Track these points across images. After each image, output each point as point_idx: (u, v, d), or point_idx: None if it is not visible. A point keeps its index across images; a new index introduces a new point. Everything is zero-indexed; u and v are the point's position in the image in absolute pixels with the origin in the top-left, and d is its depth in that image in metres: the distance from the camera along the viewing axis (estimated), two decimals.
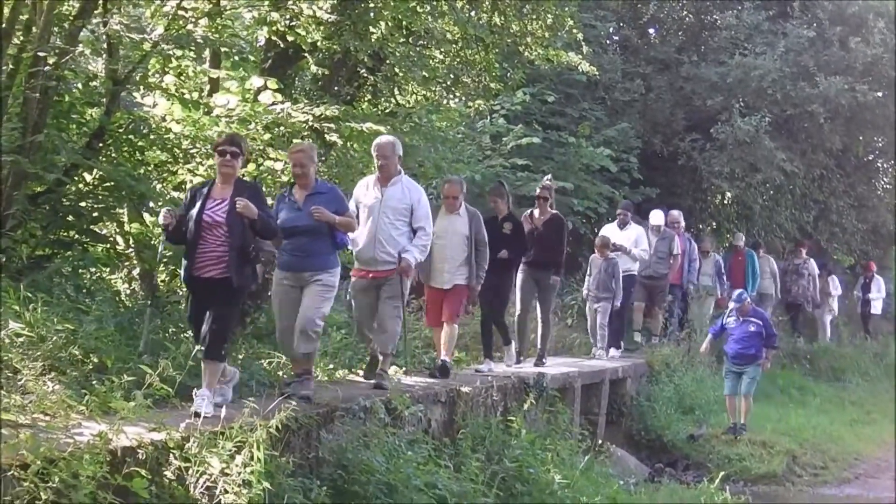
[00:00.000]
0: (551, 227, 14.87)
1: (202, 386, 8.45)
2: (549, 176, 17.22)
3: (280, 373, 10.42)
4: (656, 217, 18.89)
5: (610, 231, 17.84)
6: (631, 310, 18.52)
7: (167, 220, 8.72)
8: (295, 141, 11.45)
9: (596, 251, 17.14)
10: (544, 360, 14.89)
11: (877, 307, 26.06)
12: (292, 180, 10.17)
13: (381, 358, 11.10)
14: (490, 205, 14.17)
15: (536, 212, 15.08)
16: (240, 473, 7.19)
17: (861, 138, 26.16)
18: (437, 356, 12.56)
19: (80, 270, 10.98)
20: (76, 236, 11.64)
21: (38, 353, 7.97)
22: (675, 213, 19.87)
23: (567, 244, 15.41)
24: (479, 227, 12.75)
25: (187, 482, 7.03)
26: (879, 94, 23.58)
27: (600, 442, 14.52)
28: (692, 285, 19.92)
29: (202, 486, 7.07)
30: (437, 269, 12.63)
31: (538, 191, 15.32)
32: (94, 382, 7.94)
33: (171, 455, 7.00)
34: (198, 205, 8.72)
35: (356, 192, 11.38)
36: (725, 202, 26.09)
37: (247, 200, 8.57)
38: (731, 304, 16.78)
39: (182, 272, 8.89)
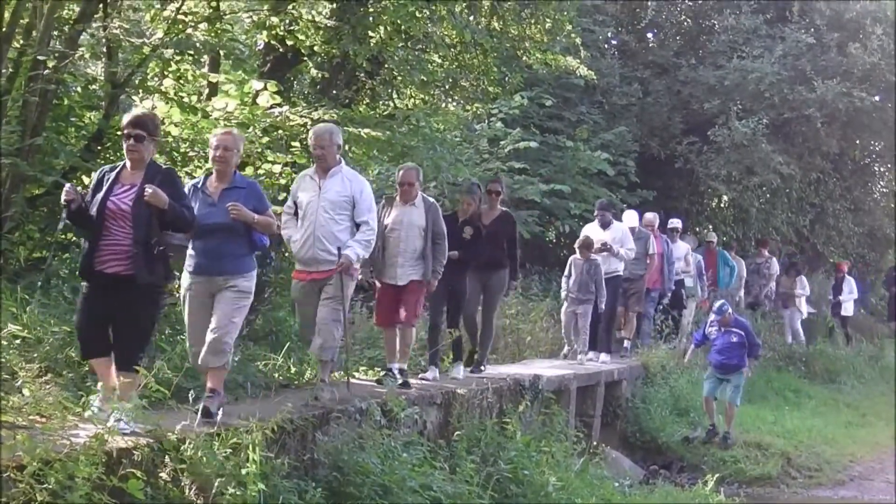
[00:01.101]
0: (500, 225, 13.75)
1: (97, 395, 7.70)
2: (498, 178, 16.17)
3: (276, 375, 10.47)
4: (630, 218, 18.12)
5: (592, 231, 17.00)
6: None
7: (69, 196, 7.69)
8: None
9: (577, 252, 16.38)
10: (483, 367, 13.59)
11: (848, 309, 25.43)
12: (211, 170, 9.00)
13: (319, 366, 10.11)
14: (463, 206, 13.17)
15: (485, 207, 13.76)
16: (235, 475, 7.25)
17: (858, 142, 26.26)
18: (388, 361, 11.66)
19: (77, 272, 11.01)
20: (73, 238, 11.68)
21: (35, 355, 8.04)
22: (650, 215, 19.04)
23: (517, 245, 14.14)
24: (436, 219, 11.76)
25: (182, 484, 7.09)
26: (877, 98, 23.63)
27: (595, 444, 14.54)
28: (671, 289, 19.17)
29: (197, 488, 7.13)
30: (391, 264, 11.63)
31: (488, 184, 14.21)
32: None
33: (167, 456, 7.06)
34: (103, 189, 7.86)
35: (294, 186, 10.41)
36: (722, 205, 26.17)
37: (156, 188, 7.69)
38: (713, 316, 16.60)
39: (80, 263, 7.97)
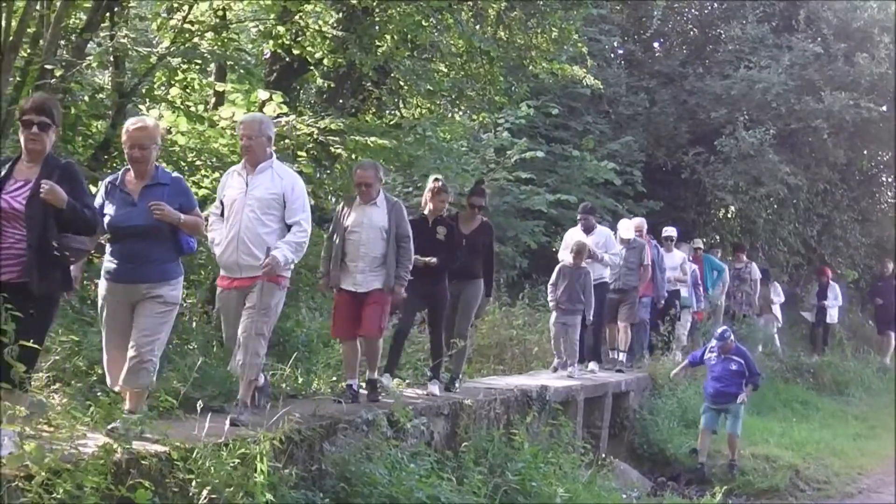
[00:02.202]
0: (479, 237, 12.87)
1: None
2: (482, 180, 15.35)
3: (284, 385, 10.43)
4: (625, 229, 17.35)
5: (575, 236, 16.19)
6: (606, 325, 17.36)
7: None
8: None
9: (570, 259, 15.48)
10: (457, 384, 12.48)
11: (833, 315, 24.79)
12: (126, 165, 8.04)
13: (241, 385, 8.90)
14: (438, 204, 12.05)
15: (466, 216, 13.00)
16: (243, 485, 7.22)
17: (865, 153, 26.23)
18: (348, 376, 10.73)
19: (86, 282, 11.00)
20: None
21: (44, 365, 8.01)
22: (639, 220, 18.36)
23: (494, 257, 13.39)
24: (400, 220, 10.76)
25: (190, 493, 7.06)
26: (884, 108, 23.61)
27: (603, 455, 14.47)
28: (664, 299, 18.32)
29: (205, 498, 7.09)
30: (350, 270, 10.61)
31: (470, 197, 13.24)
32: (98, 394, 7.97)
33: (175, 466, 7.03)
34: None
35: (220, 184, 9.49)
36: (729, 216, 26.11)
37: (53, 184, 6.88)
38: (714, 342, 16.09)
39: None
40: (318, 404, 9.67)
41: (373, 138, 12.68)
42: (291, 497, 7.88)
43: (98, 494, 6.17)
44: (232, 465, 7.29)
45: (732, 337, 16.15)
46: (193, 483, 7.07)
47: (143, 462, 6.78)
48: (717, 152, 23.43)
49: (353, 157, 13.83)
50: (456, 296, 12.46)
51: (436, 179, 12.22)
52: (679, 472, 15.79)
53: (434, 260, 11.63)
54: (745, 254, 23.34)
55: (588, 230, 16.34)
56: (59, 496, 6.00)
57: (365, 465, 9.03)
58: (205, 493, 7.09)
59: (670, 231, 19.59)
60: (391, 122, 15.42)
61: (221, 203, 9.19)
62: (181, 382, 8.13)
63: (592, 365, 16.31)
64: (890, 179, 28.62)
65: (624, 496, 13.29)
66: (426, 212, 12.03)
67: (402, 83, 16.14)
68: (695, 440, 16.58)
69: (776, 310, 23.61)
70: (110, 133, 11.59)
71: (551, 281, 15.55)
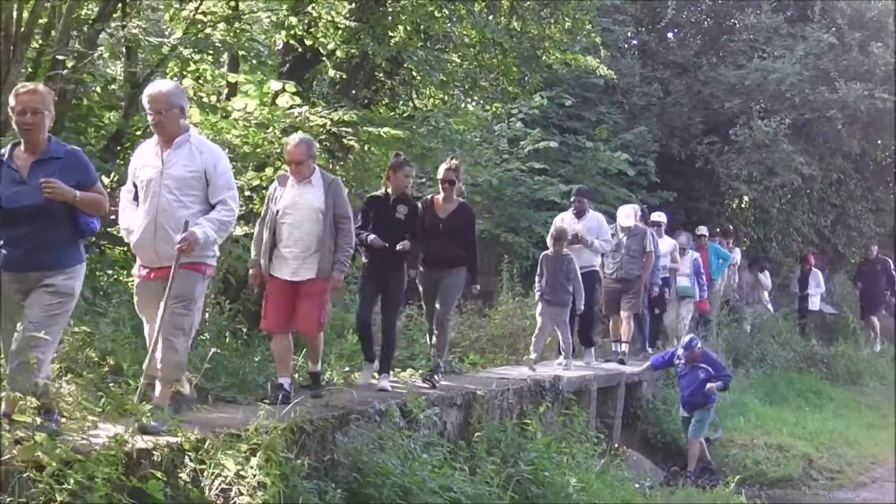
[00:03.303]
0: (458, 219, 12.03)
1: None
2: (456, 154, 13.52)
3: (296, 375, 10.44)
4: (625, 216, 16.81)
5: (566, 221, 15.52)
6: (600, 314, 17.01)
7: None
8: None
9: (549, 246, 14.70)
10: (437, 376, 11.73)
11: (814, 303, 24.61)
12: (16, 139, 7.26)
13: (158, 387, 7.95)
14: (398, 181, 11.20)
15: (440, 198, 12.13)
16: (255, 475, 7.23)
17: (879, 143, 26.07)
18: (279, 374, 9.73)
19: (98, 273, 11.03)
20: (93, 239, 11.67)
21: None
22: (635, 206, 17.73)
23: (476, 241, 12.41)
24: (338, 198, 9.83)
25: (202, 484, 7.07)
26: None
27: (616, 445, 14.50)
28: (657, 287, 17.61)
29: (217, 489, 7.11)
30: (283, 256, 9.78)
31: (442, 172, 12.12)
32: (110, 385, 7.99)
33: (187, 457, 7.05)
34: None
35: (132, 162, 8.37)
36: (743, 206, 26.02)
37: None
38: (681, 350, 15.79)
39: None
40: (330, 395, 9.68)
41: (386, 129, 12.66)
42: (304, 487, 7.88)
43: (109, 485, 6.19)
44: (244, 455, 7.31)
45: (699, 345, 15.90)
46: (205, 474, 7.09)
47: (154, 453, 6.80)
48: (731, 142, 23.35)
49: (367, 148, 13.84)
50: (435, 285, 11.96)
51: (396, 154, 11.56)
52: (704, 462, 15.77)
53: (406, 244, 11.00)
54: (732, 239, 22.96)
55: (580, 214, 15.67)
56: (70, 487, 6.02)
57: (377, 455, 9.05)
58: (217, 483, 7.11)
59: (659, 216, 18.77)
60: (404, 114, 15.40)
61: (134, 185, 8.15)
62: (193, 373, 8.12)
63: (587, 357, 15.70)
64: None
65: (637, 486, 13.32)
66: (389, 190, 11.27)
67: (415, 74, 16.11)
68: (708, 430, 16.58)
69: (764, 297, 23.43)
70: (122, 124, 11.62)
71: (538, 272, 14.77)
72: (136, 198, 8.10)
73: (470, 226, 12.21)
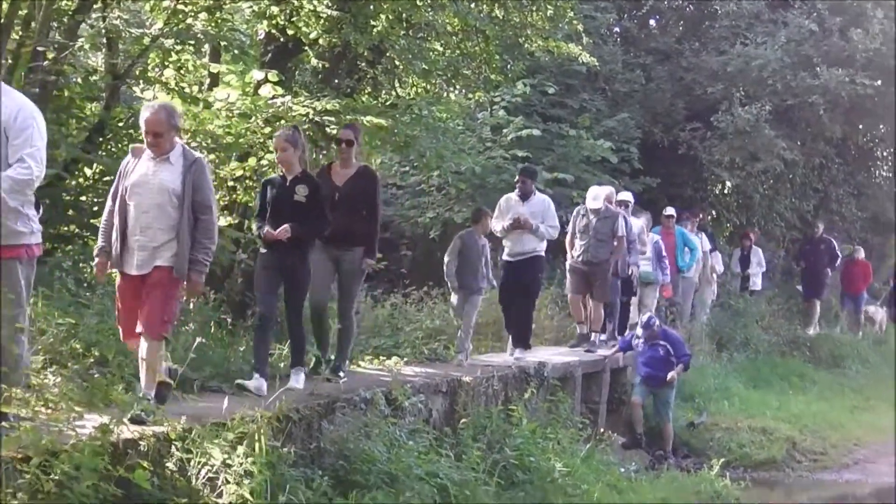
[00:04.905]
0: (358, 187, 10.61)
1: None
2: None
3: (282, 364, 10.46)
4: (592, 198, 15.81)
5: (511, 202, 14.40)
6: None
7: None
8: None
9: (473, 226, 13.60)
10: (342, 374, 10.53)
11: (756, 283, 23.52)
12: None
13: None
14: (287, 156, 9.73)
15: (337, 164, 10.81)
16: (241, 464, 7.26)
17: (861, 127, 26.18)
18: (146, 384, 7.81)
19: (81, 264, 11.03)
20: (77, 230, 11.69)
21: (40, 347, 8.04)
22: (607, 188, 16.83)
23: (379, 211, 10.91)
24: (199, 183, 8.02)
25: (189, 473, 7.11)
26: (879, 82, 23.55)
27: (601, 430, 14.56)
28: (636, 267, 16.93)
29: (204, 477, 7.14)
30: (130, 246, 8.00)
31: (341, 132, 10.95)
32: (95, 375, 8.01)
33: (173, 446, 7.08)
34: None
35: None
36: (726, 191, 26.09)
37: None
38: (639, 330, 15.60)
39: None
40: (315, 383, 9.71)
41: (368, 118, 12.65)
42: (290, 475, 7.91)
43: (96, 475, 6.21)
44: (230, 444, 7.34)
45: (658, 323, 15.75)
46: (192, 463, 7.12)
47: (141, 442, 6.83)
48: (713, 128, 23.40)
49: None
50: (334, 265, 10.66)
51: (288, 127, 10.27)
52: (677, 446, 15.85)
53: (287, 229, 9.50)
54: (698, 220, 21.97)
55: (525, 196, 14.35)
56: (56, 477, 6.04)
57: (363, 442, 9.09)
58: (204, 472, 7.14)
59: (625, 196, 17.73)
60: (387, 102, 15.40)
61: None
62: (179, 363, 8.14)
63: (518, 352, 14.04)
64: (886, 154, 28.60)
65: (622, 470, 13.38)
66: (283, 171, 9.88)
67: (397, 62, 16.11)
68: (692, 414, 16.69)
69: (714, 280, 22.27)
70: (104, 115, 11.61)
71: (448, 254, 13.41)
72: None
73: (372, 193, 10.69)
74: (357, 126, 11.21)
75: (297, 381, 9.69)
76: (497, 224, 14.02)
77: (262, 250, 9.87)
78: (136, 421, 7.12)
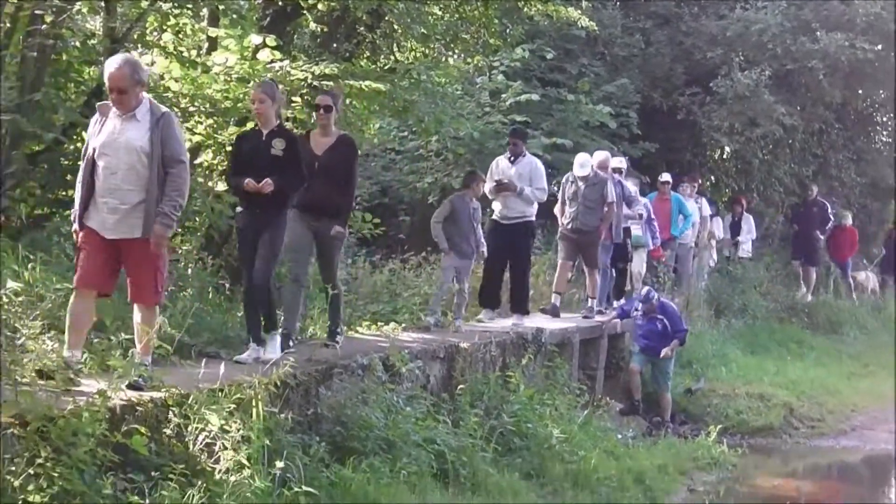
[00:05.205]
0: (338, 155, 10.26)
1: None
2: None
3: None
4: (579, 165, 15.60)
5: (501, 165, 14.16)
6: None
7: None
8: None
9: (471, 189, 13.35)
10: (338, 339, 10.33)
11: (746, 250, 23.28)
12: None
13: None
14: (264, 109, 9.38)
15: (317, 132, 10.46)
16: (239, 430, 7.28)
17: (860, 92, 26.06)
18: (69, 345, 7.54)
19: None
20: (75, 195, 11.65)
21: (37, 312, 8.03)
22: (603, 154, 16.60)
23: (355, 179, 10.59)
24: (168, 137, 7.78)
25: (186, 439, 7.13)
26: (879, 47, 23.46)
27: (599, 396, 14.59)
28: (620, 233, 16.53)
29: (201, 443, 7.16)
30: (99, 205, 7.78)
31: (318, 97, 10.57)
32: (92, 341, 8.00)
33: (171, 412, 7.09)
34: None
35: None
36: (725, 157, 26.03)
37: None
38: (639, 304, 15.63)
39: None
40: (313, 349, 9.72)
41: (367, 83, 12.59)
42: (288, 441, 7.94)
43: (93, 441, 6.22)
44: (228, 410, 7.35)
45: (656, 297, 15.74)
46: (189, 429, 7.14)
47: (138, 408, 6.84)
48: (712, 93, 23.32)
49: (348, 102, 13.79)
50: (311, 236, 10.33)
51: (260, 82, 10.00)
52: (674, 412, 15.90)
53: (270, 182, 9.15)
54: (696, 184, 21.60)
55: (514, 157, 14.14)
56: (54, 443, 6.05)
57: (361, 409, 9.12)
58: (201, 438, 7.16)
59: (619, 162, 17.46)
60: (385, 67, 15.34)
61: None
62: (176, 329, 8.15)
63: (516, 318, 13.97)
64: (885, 119, 28.52)
65: (619, 436, 13.43)
66: (258, 124, 9.57)
67: (396, 27, 16.04)
68: (689, 380, 16.73)
69: (713, 245, 22.22)
70: (102, 80, 11.54)
71: (436, 217, 13.25)
72: None
73: (351, 162, 10.39)
74: (336, 92, 10.89)
75: (273, 348, 9.26)
76: (486, 186, 13.86)
77: (239, 209, 9.63)
78: (133, 387, 7.13)
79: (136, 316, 7.74)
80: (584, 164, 15.59)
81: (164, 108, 7.99)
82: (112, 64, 7.78)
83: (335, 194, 10.13)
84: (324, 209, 10.12)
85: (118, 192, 7.68)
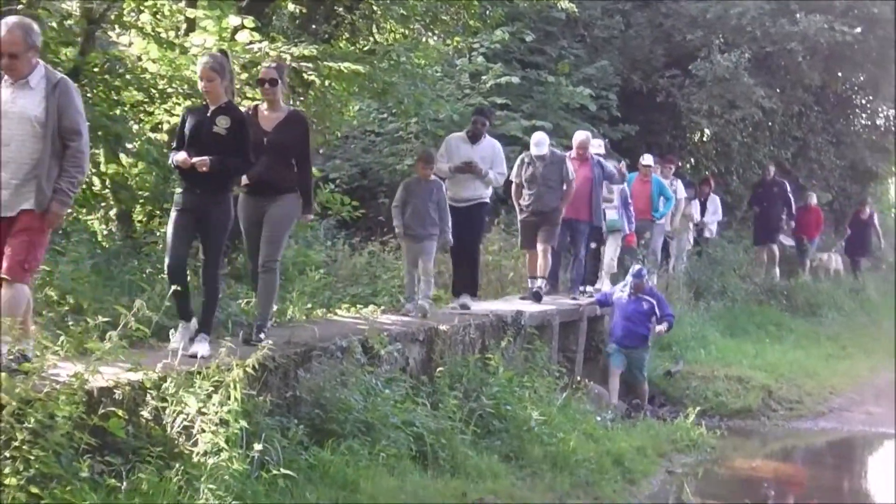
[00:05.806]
0: (288, 132, 9.66)
1: None
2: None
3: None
4: (536, 144, 15.00)
5: (460, 146, 13.75)
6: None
7: None
8: None
9: (418, 171, 12.72)
10: (261, 335, 9.13)
11: (712, 230, 22.86)
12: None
13: None
14: (211, 86, 8.80)
15: (264, 107, 9.84)
16: (217, 413, 7.27)
17: (840, 75, 26.16)
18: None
19: None
20: None
21: None
22: (583, 135, 16.21)
23: (311, 159, 10.12)
24: (66, 106, 7.33)
25: (164, 422, 7.11)
26: (858, 30, 23.49)
27: (578, 379, 14.59)
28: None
29: (179, 426, 7.15)
30: None
31: (262, 70, 10.04)
32: (70, 324, 7.97)
33: (148, 395, 7.07)
34: None
35: None
36: (704, 139, 26.08)
37: None
38: (629, 279, 15.35)
39: None
40: (292, 332, 9.70)
41: (346, 64, 12.55)
42: (266, 424, 7.94)
43: (70, 423, 6.20)
44: (206, 392, 7.34)
45: (647, 276, 15.73)
46: (167, 412, 7.12)
47: (115, 391, 6.81)
48: (692, 76, 23.34)
49: (327, 83, 13.76)
50: (259, 217, 9.65)
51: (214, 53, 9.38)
52: (653, 394, 15.93)
53: (206, 160, 8.57)
54: (673, 167, 21.04)
55: (475, 138, 13.76)
56: (30, 426, 6.03)
57: (340, 391, 9.11)
58: (179, 421, 7.14)
59: (599, 147, 17.01)
60: (365, 48, 15.30)
61: None
62: (154, 311, 8.11)
63: (464, 299, 13.45)
64: (864, 102, 28.62)
65: (598, 418, 13.42)
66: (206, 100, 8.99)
67: (375, 8, 15.99)
68: (669, 362, 16.76)
69: (691, 228, 21.84)
70: (79, 60, 11.49)
71: (395, 202, 12.65)
72: None
73: (303, 139, 9.78)
74: (282, 64, 10.37)
75: (203, 348, 8.46)
76: (443, 165, 13.36)
77: (178, 191, 9.04)
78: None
79: (4, 294, 7.06)
80: (539, 143, 15.00)
81: (60, 75, 7.52)
82: (3, 27, 7.22)
83: (284, 172, 9.61)
84: (271, 187, 9.55)
85: (11, 165, 7.19)
